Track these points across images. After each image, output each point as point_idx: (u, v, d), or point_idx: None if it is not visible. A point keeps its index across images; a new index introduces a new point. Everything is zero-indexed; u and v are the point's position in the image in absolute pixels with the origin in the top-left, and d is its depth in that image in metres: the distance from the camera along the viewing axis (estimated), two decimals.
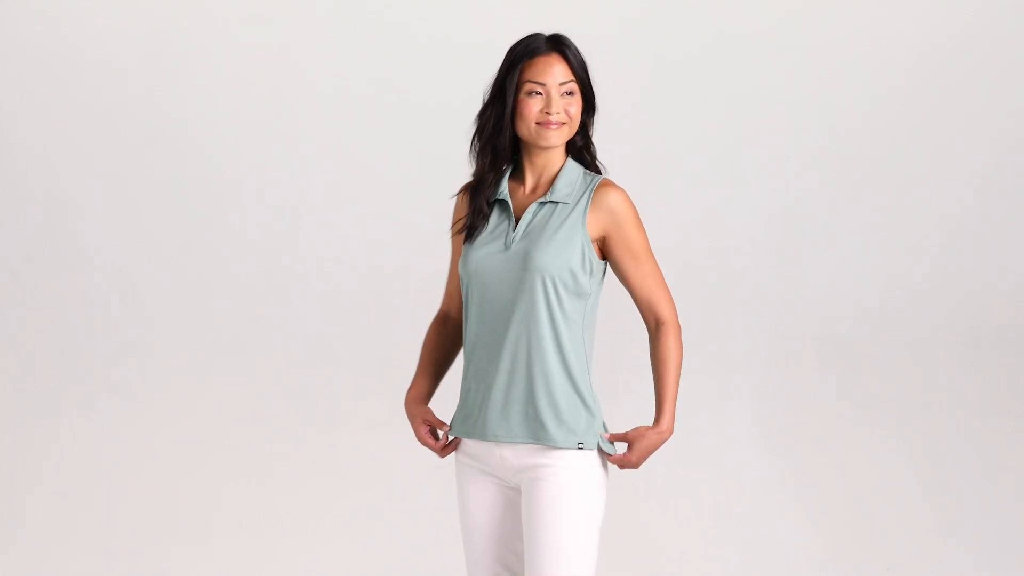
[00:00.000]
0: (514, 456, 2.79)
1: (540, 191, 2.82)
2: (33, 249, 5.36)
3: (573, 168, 2.82)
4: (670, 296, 2.82)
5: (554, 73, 2.78)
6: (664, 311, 2.80)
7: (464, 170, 5.56)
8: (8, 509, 5.05)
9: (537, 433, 2.77)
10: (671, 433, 2.79)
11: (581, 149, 2.85)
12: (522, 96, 2.79)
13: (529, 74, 2.79)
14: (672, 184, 5.38)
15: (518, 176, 2.87)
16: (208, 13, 5.39)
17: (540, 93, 2.78)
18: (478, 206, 2.85)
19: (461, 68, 5.42)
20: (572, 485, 2.75)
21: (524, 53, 2.82)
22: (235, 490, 5.11)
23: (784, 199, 5.55)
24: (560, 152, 2.83)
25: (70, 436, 5.23)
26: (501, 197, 2.83)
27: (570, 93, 2.78)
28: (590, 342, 2.82)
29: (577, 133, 2.83)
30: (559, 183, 2.79)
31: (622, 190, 2.78)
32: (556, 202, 2.78)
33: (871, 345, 5.54)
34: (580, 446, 2.75)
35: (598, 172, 2.86)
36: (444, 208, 5.42)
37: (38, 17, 5.35)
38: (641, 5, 5.45)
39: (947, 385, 5.52)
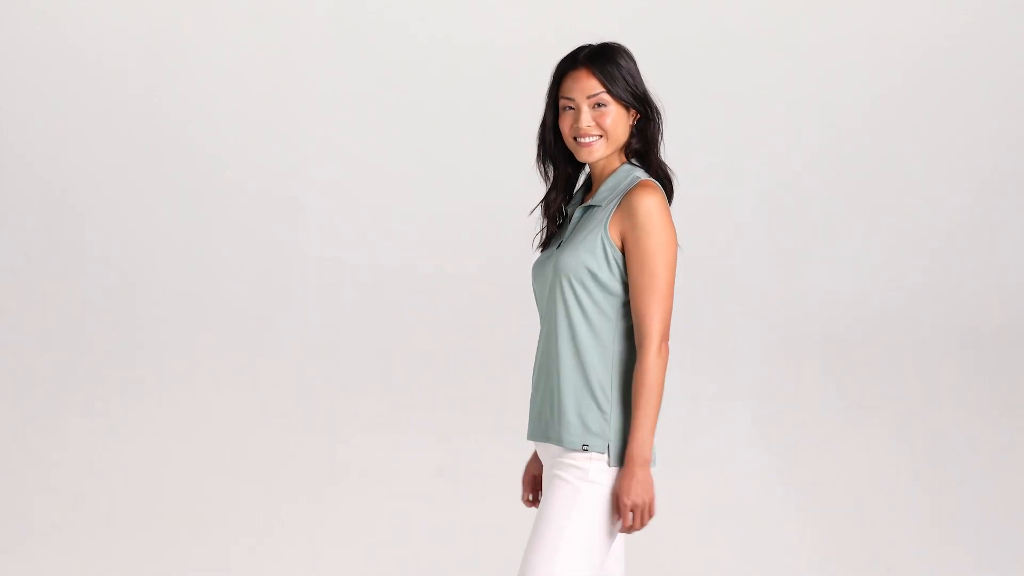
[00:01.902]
0: (545, 455, 2.83)
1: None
2: (33, 249, 5.36)
3: (623, 172, 2.80)
4: (664, 316, 2.68)
5: (582, 87, 2.77)
6: (648, 329, 2.68)
7: (463, 170, 5.59)
8: (9, 510, 5.06)
9: (548, 432, 2.78)
10: (639, 463, 2.67)
11: (640, 153, 2.82)
12: (560, 111, 2.82)
13: (563, 90, 2.81)
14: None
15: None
16: (208, 13, 5.39)
17: (572, 108, 2.79)
18: (547, 220, 2.91)
19: (461, 68, 5.43)
20: (568, 487, 2.72)
21: (559, 69, 2.83)
22: (235, 490, 5.11)
23: (784, 199, 5.55)
24: (615, 158, 2.82)
25: (69, 437, 5.23)
26: (570, 207, 2.88)
27: (601, 105, 2.77)
28: (629, 345, 2.75)
29: (633, 136, 2.81)
30: (603, 187, 2.80)
31: (653, 194, 2.71)
32: (595, 206, 2.79)
33: (871, 345, 5.54)
34: (585, 448, 2.73)
35: (660, 176, 2.82)
36: (444, 208, 5.45)
37: (38, 17, 5.35)
38: (641, 5, 5.46)
39: (947, 385, 5.52)
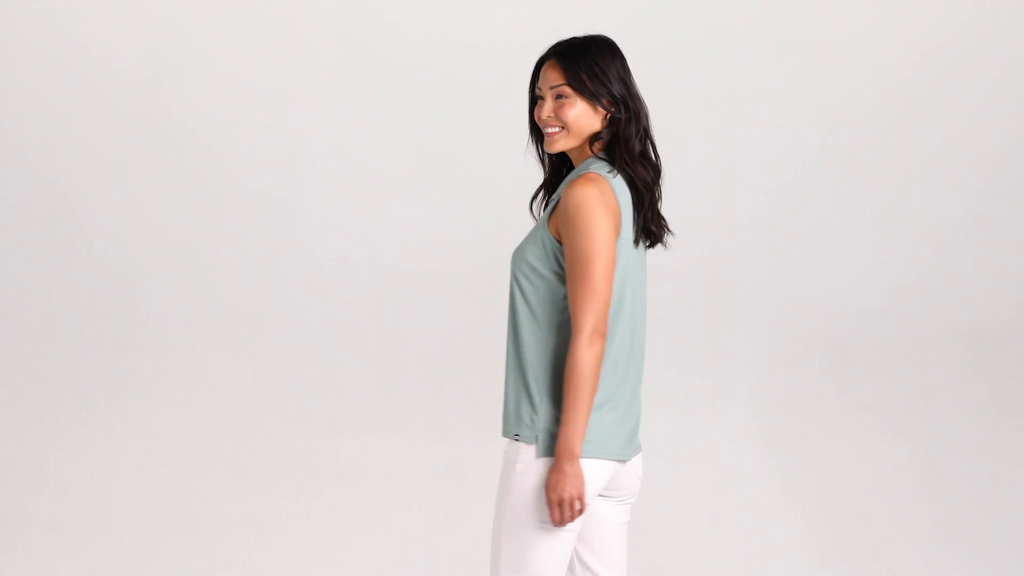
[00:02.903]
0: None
1: None
2: (33, 249, 5.36)
3: (583, 166, 2.79)
4: (595, 309, 2.65)
5: (547, 78, 2.79)
6: (578, 322, 2.65)
7: (464, 170, 5.58)
8: (9, 510, 5.05)
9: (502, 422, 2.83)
10: (566, 457, 2.65)
11: (612, 147, 2.79)
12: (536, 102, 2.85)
13: (538, 80, 2.83)
14: (671, 184, 5.36)
15: None
16: (209, 13, 5.39)
17: (541, 98, 2.82)
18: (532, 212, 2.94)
19: (461, 68, 5.43)
20: (503, 477, 2.76)
21: (537, 61, 2.85)
22: (235, 490, 5.11)
23: (784, 199, 5.55)
24: (585, 152, 2.82)
25: (69, 436, 5.23)
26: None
27: (563, 96, 2.77)
28: (564, 337, 2.73)
29: (607, 128, 2.78)
30: (564, 181, 2.81)
31: (586, 186, 2.69)
32: (555, 199, 2.80)
33: (871, 345, 5.54)
34: (516, 437, 2.75)
35: (631, 176, 2.77)
36: (445, 208, 5.45)
37: (40, 15, 5.34)
38: (641, 5, 5.46)
39: (947, 385, 5.51)
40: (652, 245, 2.87)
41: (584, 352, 2.64)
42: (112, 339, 5.34)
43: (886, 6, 5.56)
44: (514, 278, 2.78)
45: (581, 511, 2.69)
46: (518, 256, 2.78)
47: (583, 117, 2.77)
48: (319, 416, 5.29)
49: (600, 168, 2.76)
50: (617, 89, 2.78)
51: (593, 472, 2.73)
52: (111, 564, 4.84)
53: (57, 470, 5.16)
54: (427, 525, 5.00)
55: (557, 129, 2.78)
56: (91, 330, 5.34)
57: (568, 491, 2.66)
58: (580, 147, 2.81)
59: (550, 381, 2.74)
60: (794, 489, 5.24)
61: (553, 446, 2.70)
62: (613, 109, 2.77)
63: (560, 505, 2.67)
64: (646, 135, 2.81)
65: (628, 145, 2.78)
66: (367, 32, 5.43)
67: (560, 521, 2.67)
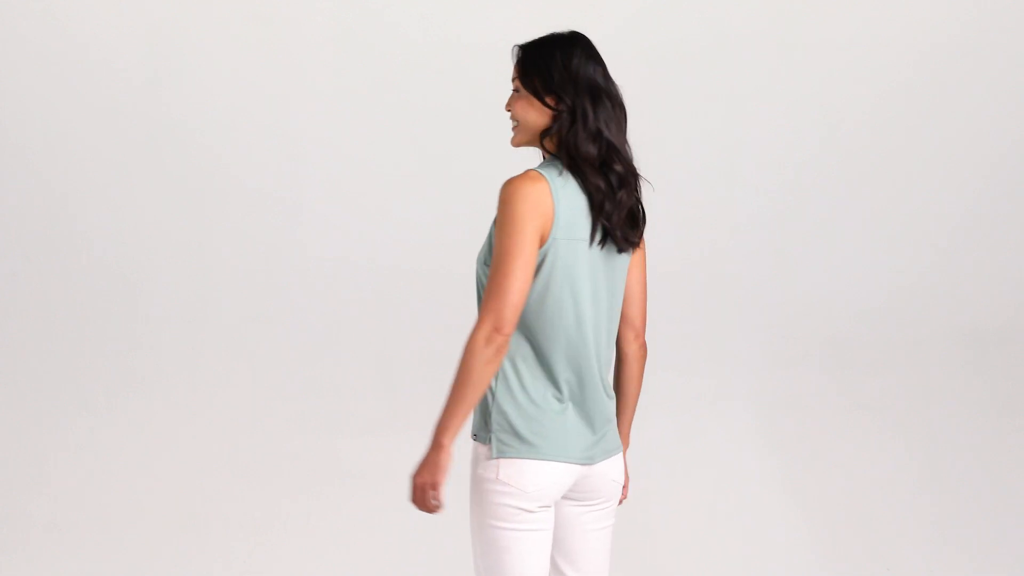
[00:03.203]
0: None
1: None
2: (33, 249, 5.36)
3: (540, 164, 2.75)
4: (495, 304, 2.58)
5: (512, 74, 2.80)
6: (480, 316, 2.60)
7: (464, 169, 5.58)
8: (9, 510, 5.05)
9: None
10: (433, 444, 2.59)
11: (563, 147, 2.71)
12: None
13: None
14: (671, 184, 5.39)
15: None
16: (209, 13, 5.39)
17: None
18: None
19: (461, 68, 5.43)
20: (471, 477, 2.73)
21: None
22: (235, 490, 5.11)
23: (784, 199, 5.55)
24: (541, 148, 2.80)
25: (69, 436, 5.23)
26: None
27: (517, 91, 2.77)
28: (520, 336, 2.70)
29: (554, 125, 2.72)
30: None
31: (511, 184, 2.64)
32: None
33: (871, 345, 5.54)
34: (474, 436, 2.74)
35: (577, 171, 2.70)
36: (445, 208, 5.45)
37: (40, 15, 5.34)
38: (641, 5, 5.46)
39: (947, 385, 5.52)
40: (623, 250, 2.77)
41: (478, 347, 2.58)
42: (112, 339, 5.34)
43: (886, 6, 5.56)
44: (476, 277, 2.75)
45: (438, 504, 2.60)
46: (479, 256, 2.76)
47: (530, 113, 2.74)
48: (319, 416, 5.29)
49: (548, 167, 2.70)
50: (562, 88, 2.71)
51: (549, 475, 2.68)
52: (111, 564, 4.84)
53: (57, 470, 5.16)
54: (427, 525, 4.99)
55: (515, 123, 2.78)
56: (91, 330, 5.34)
57: (422, 476, 2.59)
58: (536, 143, 2.78)
59: (502, 380, 2.70)
60: (794, 489, 5.24)
61: (504, 448, 2.66)
62: (560, 108, 2.72)
63: (412, 488, 2.61)
64: (599, 137, 2.71)
65: (578, 148, 2.70)
66: (367, 32, 5.42)
67: (416, 505, 2.61)
